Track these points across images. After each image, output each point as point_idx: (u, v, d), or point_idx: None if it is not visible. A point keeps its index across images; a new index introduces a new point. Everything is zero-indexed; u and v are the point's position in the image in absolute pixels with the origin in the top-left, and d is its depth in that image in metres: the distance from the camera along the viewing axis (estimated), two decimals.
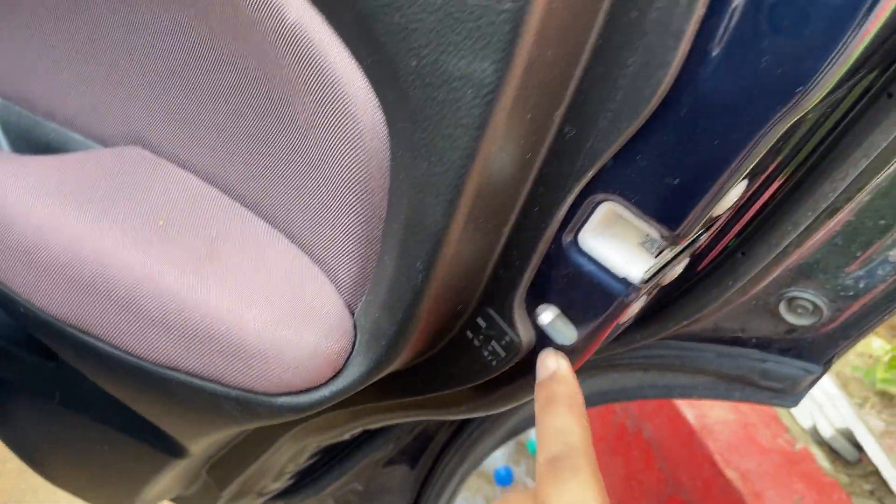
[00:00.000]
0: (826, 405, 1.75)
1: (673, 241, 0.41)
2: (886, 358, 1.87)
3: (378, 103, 0.42)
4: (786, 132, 0.39)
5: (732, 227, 0.55)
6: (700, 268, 0.60)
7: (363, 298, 0.51)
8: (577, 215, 0.43)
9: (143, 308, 0.54)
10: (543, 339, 0.49)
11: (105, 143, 0.68)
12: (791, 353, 0.70)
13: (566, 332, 0.48)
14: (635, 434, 1.83)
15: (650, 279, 0.45)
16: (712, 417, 1.62)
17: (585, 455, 0.40)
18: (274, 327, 0.50)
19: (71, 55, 0.65)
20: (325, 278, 0.53)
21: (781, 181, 0.52)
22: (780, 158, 0.45)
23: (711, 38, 0.34)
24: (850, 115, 0.46)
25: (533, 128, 0.39)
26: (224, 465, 0.89)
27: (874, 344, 2.01)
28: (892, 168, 0.52)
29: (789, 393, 0.72)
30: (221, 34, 0.50)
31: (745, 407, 1.65)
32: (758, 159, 0.37)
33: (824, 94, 0.34)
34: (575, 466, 0.40)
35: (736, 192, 0.40)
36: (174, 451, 0.74)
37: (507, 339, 0.50)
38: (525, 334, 0.49)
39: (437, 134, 0.38)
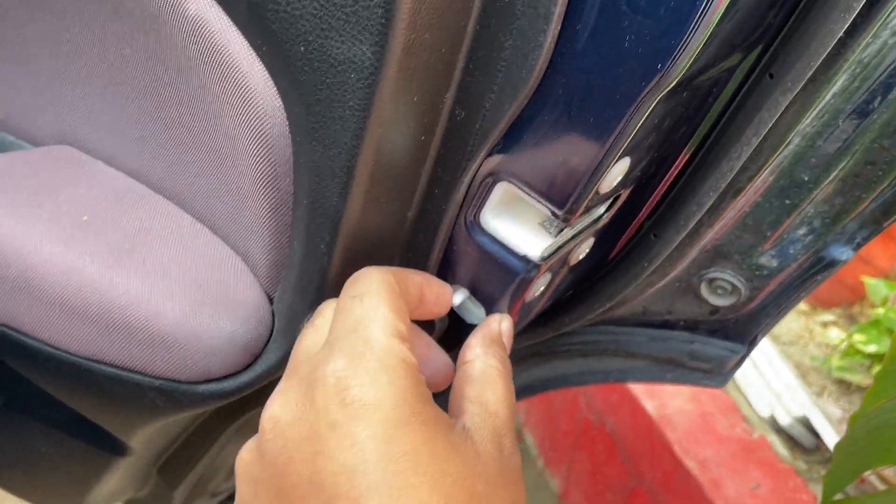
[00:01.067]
0: (784, 394, 1.78)
1: (564, 219, 0.43)
2: (843, 346, 1.91)
3: (276, 91, 0.43)
4: (667, 110, 0.41)
5: (641, 209, 0.57)
6: (617, 251, 0.62)
7: (280, 285, 0.52)
8: (477, 196, 0.45)
9: (65, 302, 0.55)
10: (455, 321, 0.51)
11: (37, 143, 0.68)
12: (718, 334, 0.72)
13: (476, 312, 0.50)
14: (598, 428, 1.86)
15: (550, 256, 0.46)
16: (671, 408, 1.64)
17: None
18: (191, 316, 0.51)
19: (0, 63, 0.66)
20: (245, 268, 0.54)
21: (684, 162, 0.54)
22: (669, 138, 0.46)
23: (578, 19, 0.36)
24: (740, 95, 0.48)
25: (422, 109, 0.40)
26: (172, 465, 0.90)
27: (831, 333, 2.05)
28: (791, 146, 0.55)
29: (717, 373, 0.74)
30: (133, 32, 0.51)
31: (703, 396, 1.68)
32: (631, 137, 0.39)
33: (684, 70, 0.35)
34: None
35: (619, 170, 0.42)
36: (116, 449, 0.74)
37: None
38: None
39: (328, 117, 0.39)
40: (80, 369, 0.58)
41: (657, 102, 0.38)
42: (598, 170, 0.39)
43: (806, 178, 0.57)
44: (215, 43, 0.45)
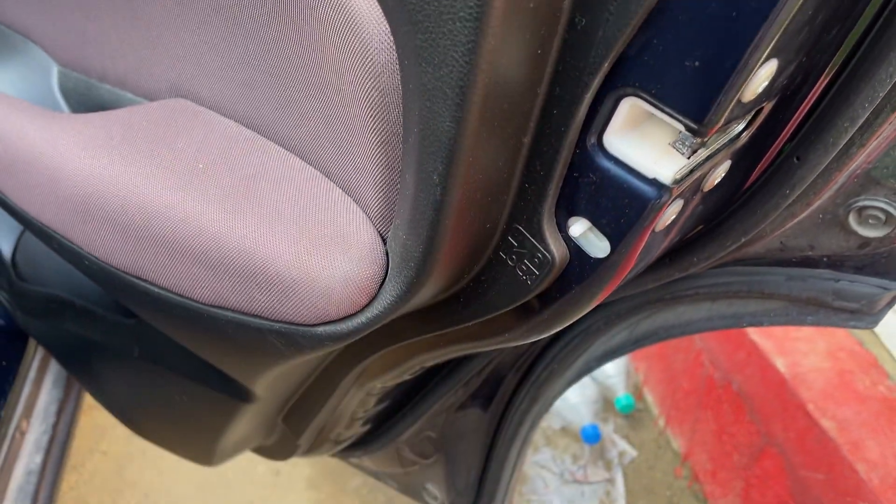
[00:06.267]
0: None
1: (701, 134, 0.39)
2: None
3: (383, 17, 0.41)
4: (821, 1, 0.36)
5: (784, 128, 0.51)
6: (754, 177, 0.57)
7: (392, 224, 0.51)
8: (600, 115, 0.41)
9: (186, 248, 0.56)
10: (577, 253, 0.48)
11: (153, 98, 0.70)
12: (866, 270, 0.65)
13: (599, 244, 0.47)
14: (724, 387, 1.77)
15: (683, 180, 0.42)
16: (805, 366, 1.54)
17: None
18: (307, 258, 0.51)
19: (115, 21, 0.68)
20: (357, 207, 0.53)
21: (833, 72, 0.48)
22: (822, 39, 0.41)
23: None
24: None
25: (539, 18, 0.37)
26: (296, 413, 0.92)
27: None
28: None
29: (866, 313, 0.67)
30: None
31: (841, 353, 1.56)
32: (781, 32, 0.34)
33: None
34: None
35: (765, 73, 0.37)
36: (241, 395, 0.76)
37: (540, 255, 0.48)
38: (557, 249, 0.47)
39: (437, 33, 0.37)
40: (204, 316, 0.60)
41: None
42: (743, 72, 0.35)
43: None
44: None
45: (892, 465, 1.32)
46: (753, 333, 1.62)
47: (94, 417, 2.08)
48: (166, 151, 0.60)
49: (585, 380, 2.20)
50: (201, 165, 0.58)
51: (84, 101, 0.77)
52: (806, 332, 1.61)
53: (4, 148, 0.68)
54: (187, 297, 0.60)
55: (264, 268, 0.52)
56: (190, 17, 0.59)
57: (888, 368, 1.55)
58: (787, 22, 0.33)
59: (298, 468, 2.01)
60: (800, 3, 0.33)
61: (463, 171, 0.41)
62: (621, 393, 2.17)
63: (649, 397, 2.24)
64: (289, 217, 0.53)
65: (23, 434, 1.34)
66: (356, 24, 0.42)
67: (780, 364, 1.55)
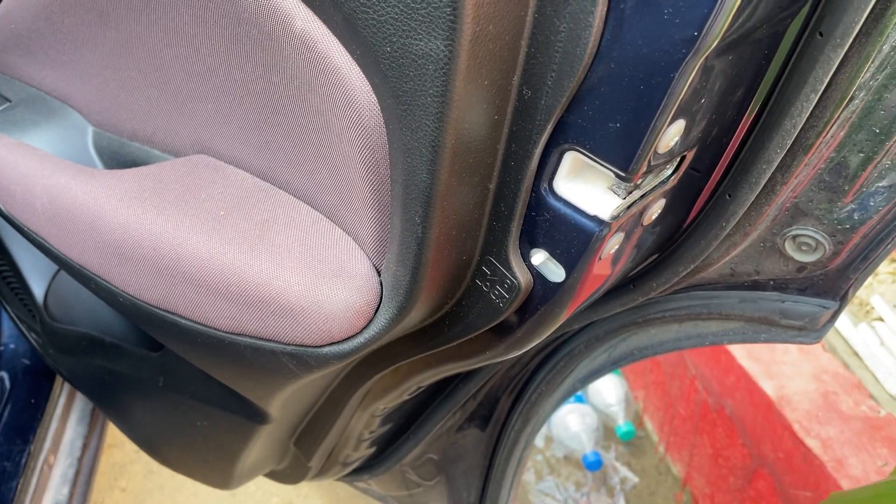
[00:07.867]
0: None
1: (627, 180, 0.48)
2: None
3: (370, 87, 0.51)
4: (716, 73, 0.46)
5: (714, 171, 0.61)
6: (696, 212, 0.66)
7: (385, 258, 0.60)
8: (549, 165, 0.51)
9: (210, 283, 0.65)
10: (539, 279, 0.57)
11: (178, 154, 0.80)
12: (808, 291, 0.74)
13: (556, 271, 0.56)
14: (718, 411, 1.84)
15: (620, 215, 0.51)
16: (791, 388, 1.61)
17: None
18: (313, 288, 0.60)
19: (145, 89, 0.78)
20: (356, 245, 0.63)
21: (750, 123, 0.57)
22: (726, 100, 0.50)
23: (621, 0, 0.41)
24: (794, 55, 0.52)
25: (493, 92, 0.47)
26: (306, 436, 1.00)
27: None
28: (855, 101, 0.57)
29: (810, 329, 0.75)
30: (252, 49, 0.60)
31: (826, 375, 1.63)
32: (680, 99, 0.43)
33: (720, 35, 0.40)
34: None
35: (675, 130, 0.46)
36: (257, 417, 0.85)
37: (508, 281, 0.57)
38: (522, 276, 0.57)
39: (413, 105, 0.46)
40: (225, 343, 0.69)
41: (703, 66, 0.42)
42: (654, 131, 0.44)
43: (877, 130, 0.59)
44: (319, 51, 0.53)
45: (874, 481, 1.38)
46: (742, 358, 1.70)
47: (113, 455, 2.16)
48: (192, 201, 0.70)
49: (587, 409, 2.26)
50: (222, 213, 0.68)
51: (116, 157, 0.87)
52: (792, 355, 1.68)
53: (50, 200, 0.78)
54: (210, 326, 0.69)
55: (277, 298, 0.61)
56: (211, 88, 0.70)
57: (871, 390, 1.62)
58: (683, 92, 0.43)
59: (310, 500, 2.07)
60: (693, 76, 0.42)
61: (439, 213, 0.51)
62: (622, 421, 2.23)
63: (649, 424, 2.30)
64: (298, 255, 0.63)
65: (50, 467, 1.43)
66: (351, 98, 0.52)
67: (768, 387, 1.62)
